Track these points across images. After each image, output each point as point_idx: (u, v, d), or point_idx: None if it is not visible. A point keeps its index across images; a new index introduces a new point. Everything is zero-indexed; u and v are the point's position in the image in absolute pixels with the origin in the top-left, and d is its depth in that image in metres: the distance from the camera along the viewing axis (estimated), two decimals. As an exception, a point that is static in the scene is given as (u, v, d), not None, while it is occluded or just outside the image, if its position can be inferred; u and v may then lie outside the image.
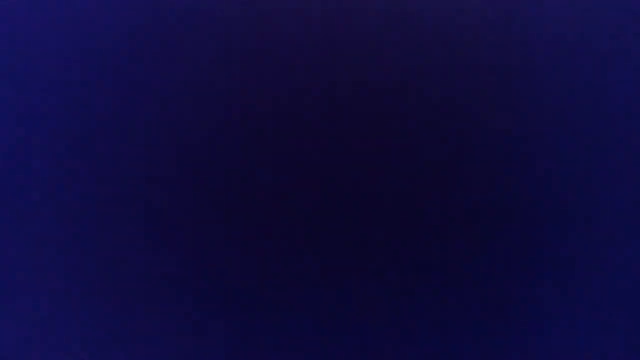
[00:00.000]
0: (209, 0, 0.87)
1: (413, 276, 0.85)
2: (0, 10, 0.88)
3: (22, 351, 0.85)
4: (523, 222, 0.85)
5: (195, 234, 0.85)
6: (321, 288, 0.85)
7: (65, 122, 0.86)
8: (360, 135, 0.85)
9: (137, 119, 0.86)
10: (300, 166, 0.85)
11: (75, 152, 0.86)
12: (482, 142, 0.85)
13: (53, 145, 0.86)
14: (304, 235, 0.85)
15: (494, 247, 0.84)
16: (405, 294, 0.84)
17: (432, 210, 0.85)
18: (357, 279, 0.85)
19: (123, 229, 0.85)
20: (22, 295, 0.85)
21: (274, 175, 0.85)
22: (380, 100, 0.85)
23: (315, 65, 0.86)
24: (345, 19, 0.86)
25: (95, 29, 0.87)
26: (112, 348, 0.85)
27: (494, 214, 0.85)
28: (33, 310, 0.85)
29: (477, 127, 0.85)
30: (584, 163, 0.85)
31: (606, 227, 0.85)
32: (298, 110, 0.86)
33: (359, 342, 0.85)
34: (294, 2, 0.87)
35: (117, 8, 0.87)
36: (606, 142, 0.85)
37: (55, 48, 0.87)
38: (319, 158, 0.85)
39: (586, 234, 0.85)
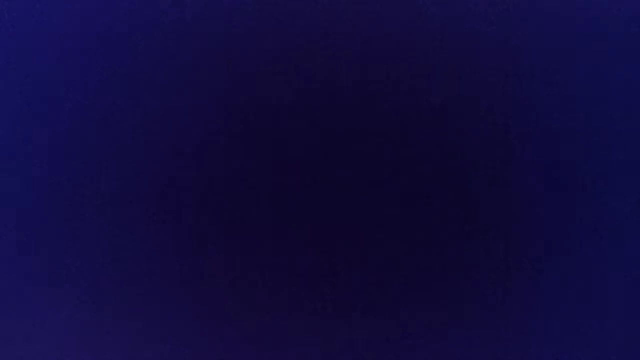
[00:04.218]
0: (209, 0, 0.87)
1: (413, 276, 0.85)
2: (1, 11, 0.87)
3: (23, 351, 0.85)
4: (523, 222, 0.85)
5: (195, 234, 0.85)
6: (321, 288, 0.85)
7: (65, 122, 0.86)
8: (360, 135, 0.85)
9: (137, 119, 0.86)
10: (299, 166, 0.85)
11: (75, 152, 0.86)
12: (482, 142, 0.85)
13: (53, 146, 0.86)
14: (305, 235, 0.85)
15: (494, 247, 0.84)
16: (405, 294, 0.84)
17: (432, 210, 0.85)
18: (357, 279, 0.85)
19: (123, 229, 0.85)
20: (22, 296, 0.85)
21: (275, 176, 0.85)
22: (380, 100, 0.85)
23: (314, 65, 0.86)
24: (344, 20, 0.86)
25: (95, 29, 0.87)
26: (111, 348, 0.85)
27: (494, 214, 0.85)
28: (34, 311, 0.85)
29: (477, 127, 0.85)
30: (584, 163, 0.85)
31: (606, 227, 0.85)
32: (298, 110, 0.86)
33: (358, 342, 0.85)
34: (294, 2, 0.86)
35: (117, 8, 0.87)
36: (606, 142, 0.85)
37: (56, 48, 0.87)
38: (318, 159, 0.85)
39: (586, 233, 0.85)
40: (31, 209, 0.86)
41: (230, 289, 0.85)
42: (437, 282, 0.84)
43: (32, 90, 0.87)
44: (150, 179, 0.85)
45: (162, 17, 0.86)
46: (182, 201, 0.85)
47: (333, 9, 0.86)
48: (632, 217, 0.84)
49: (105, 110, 0.86)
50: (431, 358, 0.84)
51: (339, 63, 0.86)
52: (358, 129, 0.85)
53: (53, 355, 0.85)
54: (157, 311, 0.85)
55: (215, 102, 0.86)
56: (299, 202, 0.85)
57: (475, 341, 0.84)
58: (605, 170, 0.85)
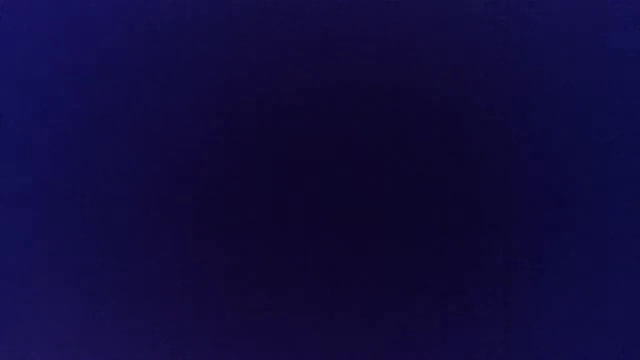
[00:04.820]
0: (209, 0, 0.87)
1: (413, 276, 0.85)
2: (1, 11, 0.88)
3: (23, 351, 0.85)
4: (523, 222, 0.85)
5: (195, 234, 0.85)
6: (321, 288, 0.85)
7: (65, 122, 0.86)
8: (360, 135, 0.85)
9: (137, 119, 0.86)
10: (299, 166, 0.85)
11: (75, 152, 0.86)
12: (481, 142, 0.85)
13: (53, 145, 0.86)
14: (305, 235, 0.85)
15: (494, 247, 0.84)
16: (405, 294, 0.84)
17: (433, 209, 0.85)
18: (357, 279, 0.85)
19: (123, 229, 0.85)
20: (22, 296, 0.85)
21: (274, 176, 0.85)
22: (380, 100, 0.85)
23: (314, 65, 0.86)
24: (344, 20, 0.86)
25: (95, 29, 0.87)
26: (111, 348, 0.85)
27: (494, 214, 0.85)
28: (33, 310, 0.85)
29: (477, 127, 0.85)
30: (584, 163, 0.85)
31: (606, 227, 0.85)
32: (297, 110, 0.86)
33: (358, 342, 0.85)
34: (295, 2, 0.86)
35: (118, 8, 0.87)
36: (606, 142, 0.85)
37: (55, 48, 0.87)
38: (318, 158, 0.85)
39: (586, 233, 0.84)
40: (31, 209, 0.86)
41: (230, 289, 0.85)
42: (437, 282, 0.84)
43: (32, 90, 0.87)
44: (150, 178, 0.85)
45: (162, 17, 0.86)
46: (183, 201, 0.85)
47: (333, 9, 0.86)
48: (632, 217, 0.84)
49: (105, 110, 0.86)
50: (431, 358, 0.84)
51: (338, 63, 0.86)
52: (357, 129, 0.85)
53: (53, 355, 0.85)
54: (157, 311, 0.85)
55: (216, 102, 0.86)
56: (299, 201, 0.85)
57: (476, 341, 0.84)
58: (606, 170, 0.85)
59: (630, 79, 0.85)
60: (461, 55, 0.85)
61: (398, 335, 0.84)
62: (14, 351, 0.85)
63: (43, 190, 0.86)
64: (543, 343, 0.84)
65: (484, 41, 0.86)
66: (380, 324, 0.84)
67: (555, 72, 0.85)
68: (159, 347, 0.85)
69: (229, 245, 0.85)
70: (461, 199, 0.84)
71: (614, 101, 0.85)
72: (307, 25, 0.86)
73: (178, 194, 0.85)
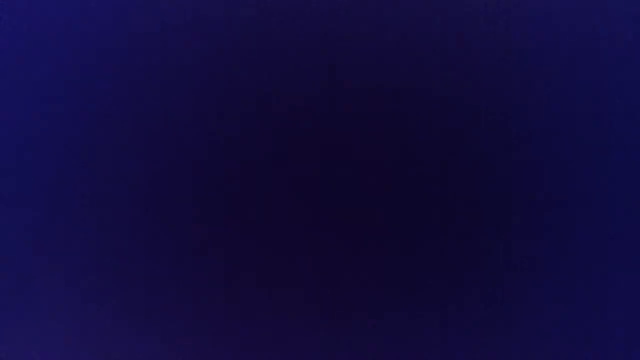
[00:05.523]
0: (209, 0, 0.87)
1: (413, 276, 0.85)
2: (1, 11, 0.88)
3: (22, 351, 0.85)
4: (523, 223, 0.85)
5: (195, 234, 0.85)
6: (321, 289, 0.85)
7: (65, 122, 0.86)
8: (359, 136, 0.85)
9: (137, 119, 0.86)
10: (299, 167, 0.85)
11: (75, 152, 0.86)
12: (482, 142, 0.85)
13: (53, 145, 0.86)
14: (305, 236, 0.85)
15: (494, 247, 0.84)
16: (405, 294, 0.84)
17: (433, 210, 0.85)
18: (356, 279, 0.85)
19: (123, 230, 0.85)
20: (22, 296, 0.86)
21: (274, 176, 0.85)
22: (380, 100, 0.85)
23: (315, 65, 0.86)
24: (344, 20, 0.86)
25: (95, 28, 0.87)
26: (111, 348, 0.85)
27: (494, 215, 0.85)
28: (33, 311, 0.85)
29: (477, 127, 0.85)
30: (584, 163, 0.85)
31: (606, 227, 0.85)
32: (297, 110, 0.86)
33: (358, 343, 0.85)
34: (294, 2, 0.87)
35: (118, 8, 0.87)
36: (606, 142, 0.85)
37: (56, 48, 0.87)
38: (317, 158, 0.85)
39: (586, 234, 0.85)
40: (31, 209, 0.86)
41: (230, 289, 0.85)
42: (437, 282, 0.84)
43: (32, 90, 0.87)
44: (151, 178, 0.86)
45: (162, 17, 0.86)
46: (183, 201, 0.85)
47: (333, 9, 0.86)
48: (632, 217, 0.84)
49: (105, 110, 0.86)
50: (431, 358, 0.84)
51: (338, 63, 0.86)
52: (357, 129, 0.85)
53: (53, 355, 0.85)
54: (157, 311, 0.85)
55: (216, 102, 0.86)
56: (299, 201, 0.85)
57: (476, 341, 0.84)
58: (606, 170, 0.85)
59: (630, 79, 0.85)
60: (461, 55, 0.86)
61: (398, 335, 0.84)
62: (14, 351, 0.85)
63: (43, 190, 0.86)
64: (543, 343, 0.84)
65: (484, 41, 0.86)
66: (380, 324, 0.84)
67: (555, 72, 0.85)
68: (159, 347, 0.85)
69: (229, 245, 0.85)
70: (461, 199, 0.84)
71: (614, 101, 0.85)
72: (307, 25, 0.86)
73: (178, 194, 0.85)
